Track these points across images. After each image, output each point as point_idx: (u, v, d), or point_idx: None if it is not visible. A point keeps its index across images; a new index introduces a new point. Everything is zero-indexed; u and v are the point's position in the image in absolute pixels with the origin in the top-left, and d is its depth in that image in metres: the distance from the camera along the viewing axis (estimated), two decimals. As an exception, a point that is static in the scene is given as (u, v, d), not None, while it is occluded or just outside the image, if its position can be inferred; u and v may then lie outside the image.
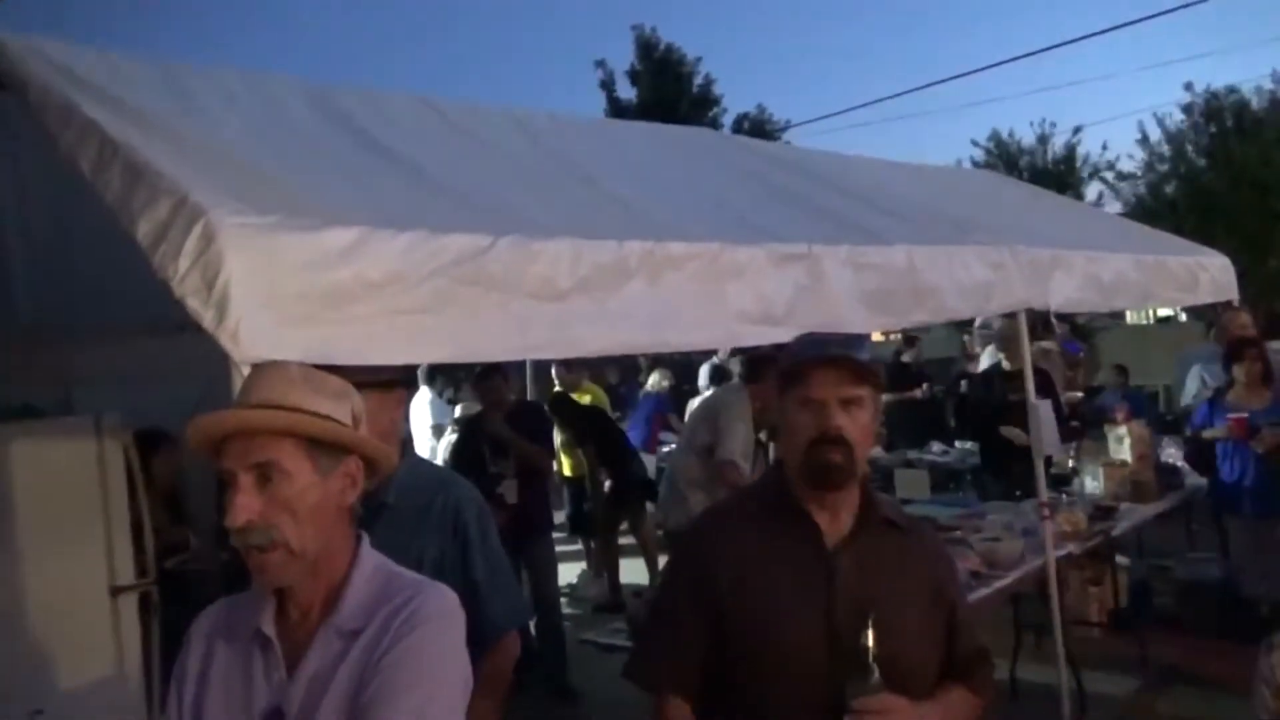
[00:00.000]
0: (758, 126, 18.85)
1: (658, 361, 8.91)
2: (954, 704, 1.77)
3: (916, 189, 4.77)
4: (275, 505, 1.28)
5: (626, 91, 18.68)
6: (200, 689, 1.36)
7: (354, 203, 2.09)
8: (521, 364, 6.20)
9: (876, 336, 11.45)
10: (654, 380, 8.77)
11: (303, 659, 1.32)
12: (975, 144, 19.25)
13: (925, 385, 9.42)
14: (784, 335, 3.04)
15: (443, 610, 1.35)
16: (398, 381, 2.07)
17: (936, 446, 7.66)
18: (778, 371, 1.82)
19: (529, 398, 6.01)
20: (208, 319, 1.70)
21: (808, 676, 1.65)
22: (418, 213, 2.18)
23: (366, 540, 1.42)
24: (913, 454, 7.41)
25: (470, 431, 5.45)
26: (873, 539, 1.76)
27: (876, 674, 1.60)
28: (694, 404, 6.61)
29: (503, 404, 5.16)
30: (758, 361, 4.74)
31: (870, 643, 1.60)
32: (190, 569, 3.44)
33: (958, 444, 7.46)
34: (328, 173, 2.28)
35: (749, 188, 3.80)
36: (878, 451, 7.23)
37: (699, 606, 1.73)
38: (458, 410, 6.99)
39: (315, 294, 1.84)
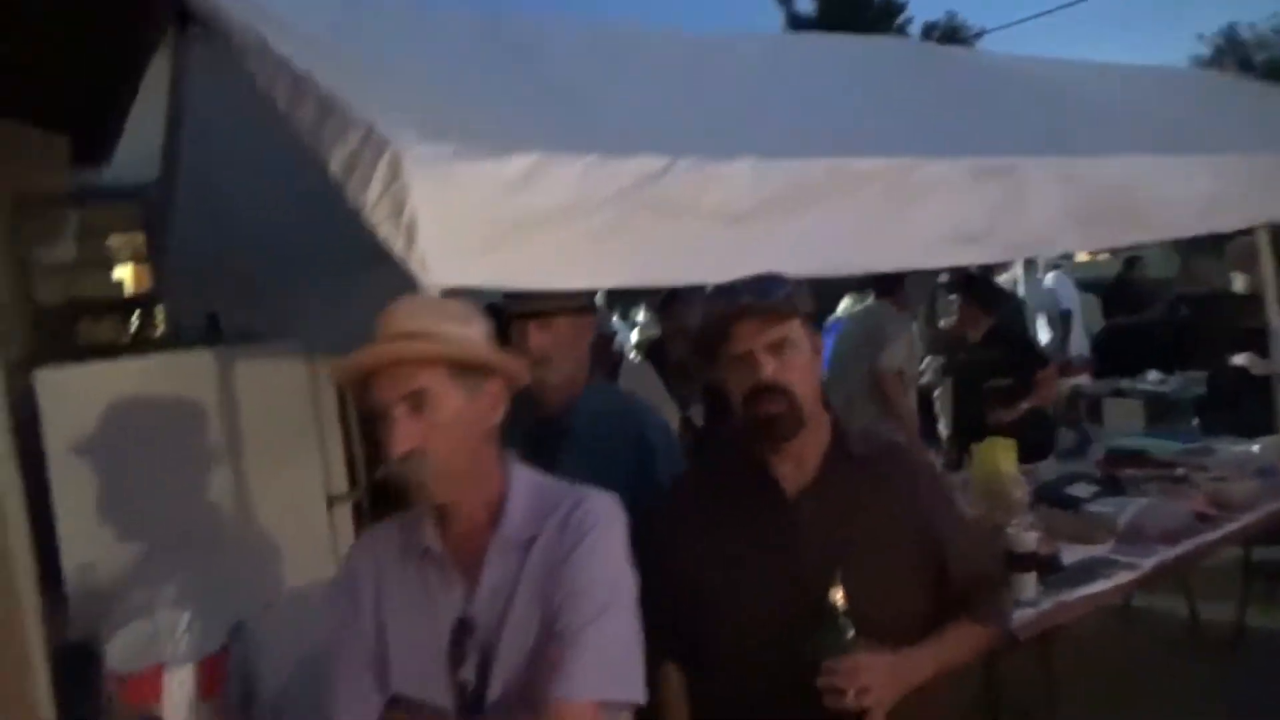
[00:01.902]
0: (949, 35, 17.74)
1: (850, 287, 8.68)
2: (951, 642, 1.65)
3: (1130, 94, 4.30)
4: (430, 431, 1.33)
5: (805, 5, 17.94)
6: (377, 612, 1.43)
7: (530, 130, 2.09)
8: (703, 289, 6.17)
9: (1082, 257, 10.61)
10: (845, 305, 8.58)
11: (480, 572, 1.38)
12: (1201, 38, 17.05)
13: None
14: (984, 255, 2.86)
15: (610, 513, 1.40)
16: (590, 307, 2.09)
17: (1153, 375, 7.04)
18: (701, 333, 1.70)
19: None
20: (398, 246, 1.76)
21: (777, 639, 1.55)
22: (593, 138, 2.15)
23: (514, 454, 1.47)
24: (1125, 383, 6.82)
25: (652, 356, 5.51)
26: (841, 482, 1.65)
27: (850, 631, 1.48)
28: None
29: (684, 330, 5.15)
30: (888, 277, 4.60)
31: (839, 599, 1.49)
32: (392, 478, 3.71)
33: (1178, 373, 6.83)
34: (502, 101, 2.29)
35: (942, 98, 3.54)
36: (1083, 380, 6.71)
37: (670, 582, 1.62)
38: (634, 335, 7.08)
39: (497, 220, 1.86)
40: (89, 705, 1.97)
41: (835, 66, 3.71)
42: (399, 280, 1.77)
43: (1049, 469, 3.90)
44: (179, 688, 1.88)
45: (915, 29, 17.86)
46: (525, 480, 1.44)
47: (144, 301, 4.88)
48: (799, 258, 2.25)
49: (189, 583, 2.07)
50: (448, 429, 1.34)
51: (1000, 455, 3.00)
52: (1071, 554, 2.96)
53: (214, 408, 2.73)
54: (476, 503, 1.40)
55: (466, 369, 1.36)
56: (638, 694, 1.35)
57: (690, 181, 2.09)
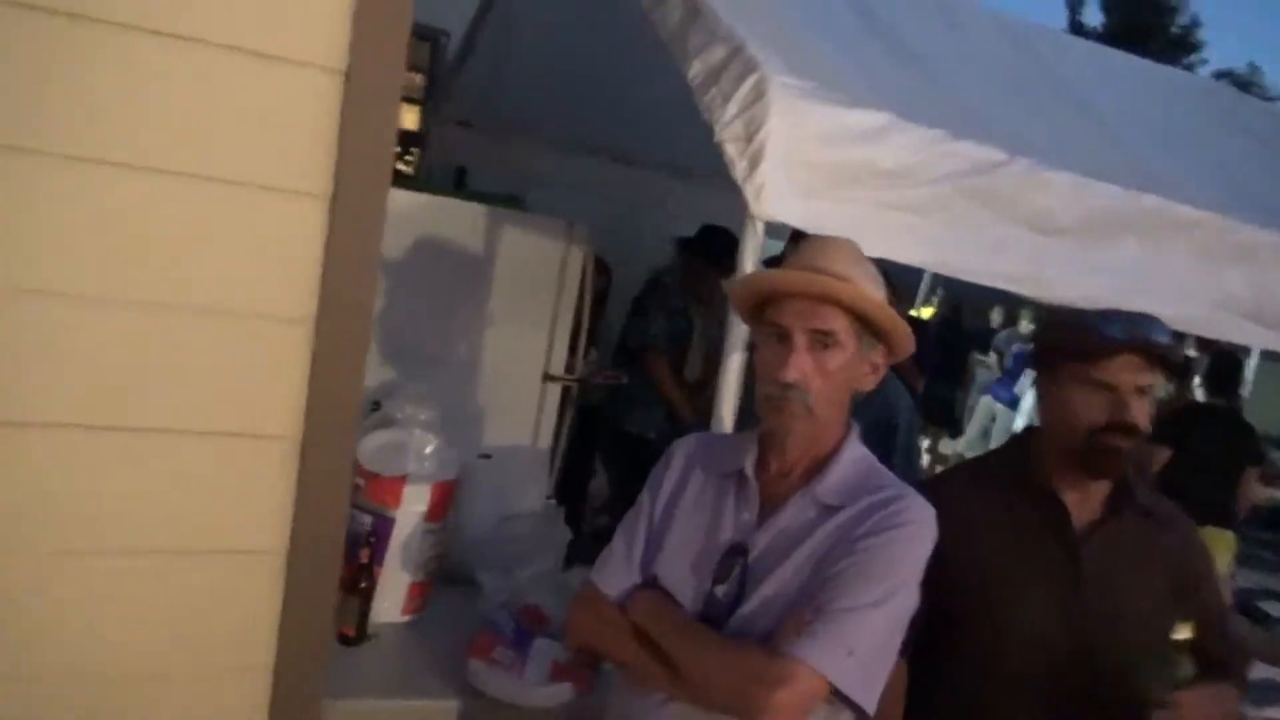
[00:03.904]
0: (1242, 89, 16.24)
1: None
2: (1227, 694, 1.66)
3: None
4: (820, 371, 1.34)
5: (1094, 17, 16.81)
6: (670, 505, 1.49)
7: (878, 90, 2.09)
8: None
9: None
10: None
11: (775, 512, 1.40)
12: None
13: None
14: (1272, 341, 2.68)
15: (926, 519, 1.36)
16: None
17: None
18: (1061, 346, 1.63)
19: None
20: (739, 169, 1.81)
21: (1038, 665, 1.55)
22: (932, 114, 2.13)
23: (857, 428, 1.46)
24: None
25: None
26: (1126, 527, 1.64)
27: (1190, 665, 1.49)
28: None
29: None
30: None
31: (1186, 634, 1.48)
32: (589, 379, 3.84)
33: None
34: (856, 55, 2.28)
35: (1266, 161, 3.30)
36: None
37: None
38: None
39: (826, 167, 1.88)
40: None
41: (1156, 96, 3.50)
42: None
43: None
44: (415, 501, 2.06)
45: (1206, 71, 16.51)
46: (857, 454, 1.43)
47: (406, 139, 5.14)
48: (1090, 287, 2.17)
49: (438, 412, 2.24)
50: (832, 376, 1.35)
51: (1216, 549, 2.85)
52: (1251, 670, 2.83)
53: (468, 258, 2.88)
54: (805, 453, 1.41)
55: (869, 327, 1.36)
56: (868, 703, 1.29)
57: (1020, 182, 2.05)
